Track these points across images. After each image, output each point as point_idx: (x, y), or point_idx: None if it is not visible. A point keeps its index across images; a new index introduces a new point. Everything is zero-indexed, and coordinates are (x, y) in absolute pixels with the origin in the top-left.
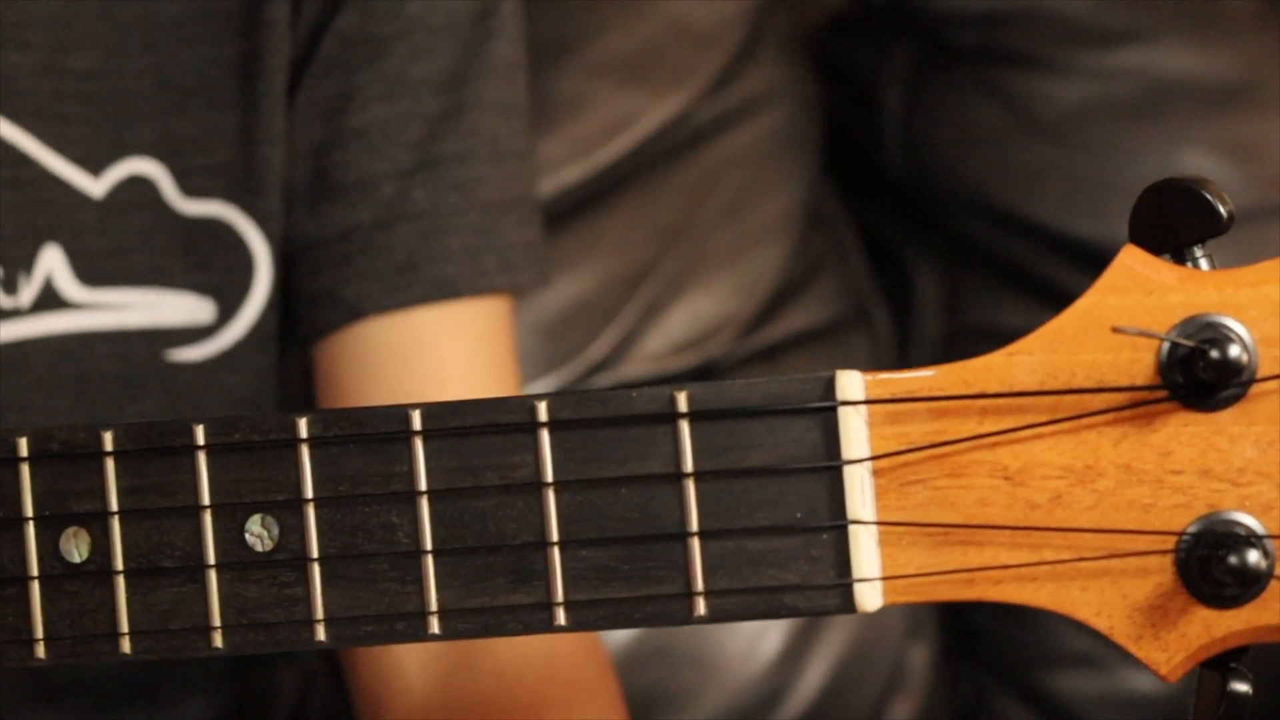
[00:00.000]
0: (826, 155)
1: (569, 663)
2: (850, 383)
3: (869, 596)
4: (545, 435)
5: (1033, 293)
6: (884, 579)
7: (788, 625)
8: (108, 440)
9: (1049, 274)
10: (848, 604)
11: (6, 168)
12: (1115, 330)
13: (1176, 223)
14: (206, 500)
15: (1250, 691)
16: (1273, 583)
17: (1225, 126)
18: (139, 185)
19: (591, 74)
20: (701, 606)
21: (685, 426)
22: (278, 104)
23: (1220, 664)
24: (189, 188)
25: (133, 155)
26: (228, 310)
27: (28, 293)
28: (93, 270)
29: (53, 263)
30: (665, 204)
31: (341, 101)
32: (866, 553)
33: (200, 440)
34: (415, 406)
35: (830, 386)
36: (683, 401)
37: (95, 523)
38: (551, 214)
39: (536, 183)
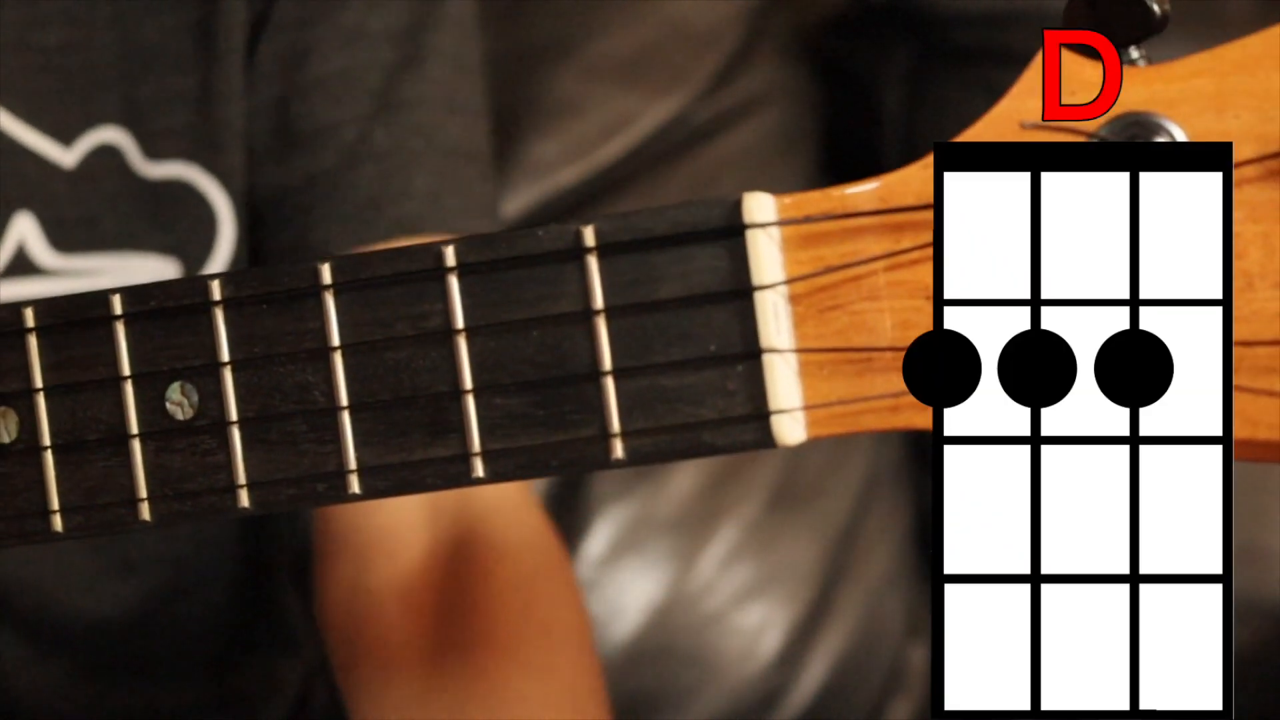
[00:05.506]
0: (826, 156)
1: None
2: (759, 205)
3: (789, 428)
4: (454, 281)
5: None
6: (805, 409)
7: (788, 625)
8: (29, 317)
9: None
10: (766, 438)
11: None
12: (1024, 126)
13: (1109, 24)
14: (126, 370)
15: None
16: None
17: None
18: (107, 153)
19: (590, 74)
20: (619, 448)
21: (593, 262)
22: (236, 63)
23: None
24: (152, 151)
25: (101, 124)
26: (192, 269)
27: None
28: (64, 237)
29: (25, 230)
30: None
31: (300, 56)
32: (784, 383)
33: (117, 309)
34: (324, 259)
35: (736, 209)
36: (589, 236)
37: (21, 401)
38: (551, 214)
39: (493, 144)
